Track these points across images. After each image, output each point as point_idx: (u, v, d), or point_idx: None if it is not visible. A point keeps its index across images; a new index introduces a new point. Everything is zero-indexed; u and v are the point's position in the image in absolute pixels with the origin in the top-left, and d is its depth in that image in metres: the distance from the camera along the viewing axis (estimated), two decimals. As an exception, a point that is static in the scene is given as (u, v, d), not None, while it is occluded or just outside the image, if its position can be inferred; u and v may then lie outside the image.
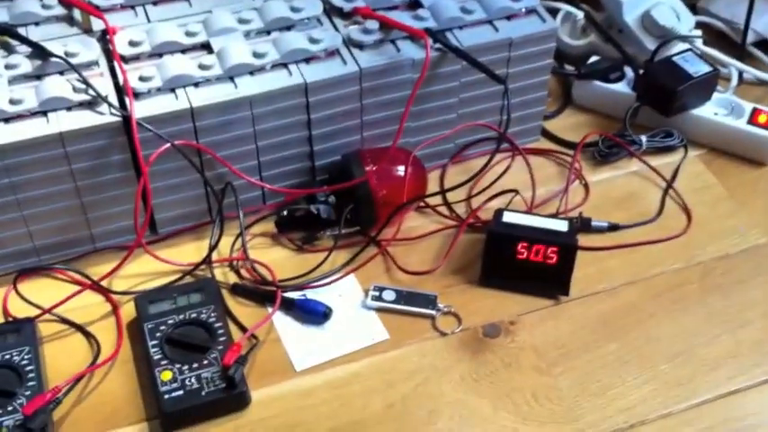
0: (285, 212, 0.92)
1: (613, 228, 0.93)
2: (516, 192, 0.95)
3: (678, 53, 1.02)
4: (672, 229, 0.94)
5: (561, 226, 0.87)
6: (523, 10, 0.95)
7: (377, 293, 0.86)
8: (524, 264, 0.86)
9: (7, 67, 0.86)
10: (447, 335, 0.83)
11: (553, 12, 1.11)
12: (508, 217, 0.88)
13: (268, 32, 0.92)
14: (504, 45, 0.93)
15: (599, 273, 0.89)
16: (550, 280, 0.86)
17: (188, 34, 0.90)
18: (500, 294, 0.87)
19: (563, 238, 0.85)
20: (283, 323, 0.84)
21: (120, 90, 0.85)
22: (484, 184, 0.96)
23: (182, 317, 0.81)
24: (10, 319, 0.84)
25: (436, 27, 0.92)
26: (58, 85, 0.83)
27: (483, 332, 0.84)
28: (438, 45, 0.90)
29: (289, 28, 0.92)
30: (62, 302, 0.84)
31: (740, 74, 1.10)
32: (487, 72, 0.90)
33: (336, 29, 0.93)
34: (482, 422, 0.77)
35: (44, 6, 0.93)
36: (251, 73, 0.87)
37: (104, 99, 0.83)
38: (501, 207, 0.91)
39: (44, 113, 0.82)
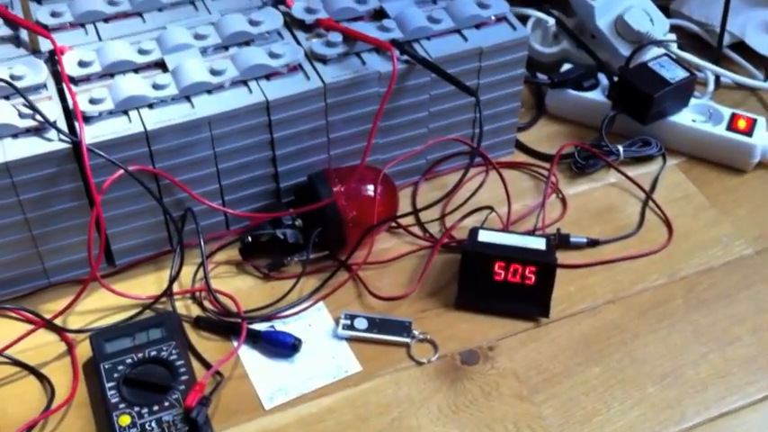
0: (249, 238, 0.87)
1: (593, 243, 0.89)
2: (491, 209, 0.91)
3: (654, 58, 0.99)
4: (653, 242, 0.90)
5: (539, 244, 0.83)
6: (493, 18, 0.91)
7: (348, 322, 0.81)
8: (502, 285, 0.82)
9: (-52, 93, 0.81)
10: (423, 363, 0.79)
11: (523, 19, 1.08)
12: (484, 236, 0.84)
13: (226, 48, 0.87)
14: (474, 55, 0.89)
15: (580, 291, 0.85)
16: (530, 301, 0.82)
17: (141, 52, 0.85)
18: (477, 318, 0.83)
19: (541, 257, 0.81)
20: (250, 357, 0.79)
21: (71, 114, 0.80)
22: (458, 200, 0.93)
23: (140, 355, 0.76)
24: (-43, 363, 0.78)
25: (403, 38, 0.88)
26: (2, 112, 0.78)
27: (461, 359, 0.79)
28: (405, 57, 0.86)
29: (248, 43, 0.88)
30: (14, 343, 0.78)
31: (717, 78, 1.07)
32: (458, 84, 0.86)
33: (298, 42, 0.88)
34: (463, 456, 0.73)
35: (-12, 27, 0.88)
36: (209, 91, 0.83)
37: (52, 125, 0.78)
38: (476, 225, 0.87)
39: (-12, 142, 0.77)
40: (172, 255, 0.87)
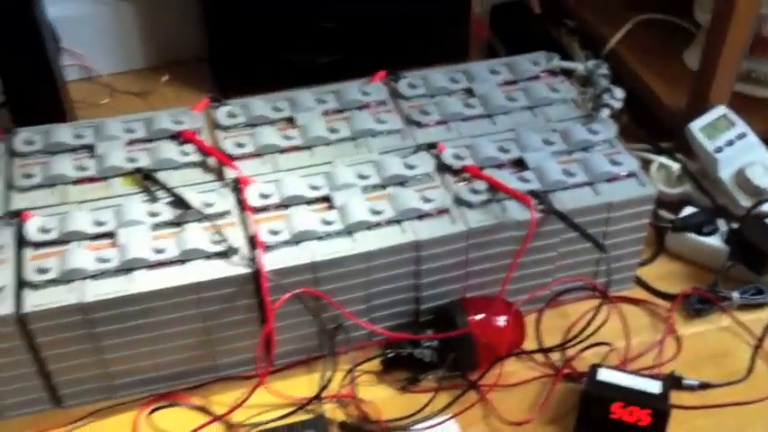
0: (391, 354, 0.98)
1: (704, 386, 0.97)
2: (609, 345, 0.99)
3: (772, 214, 1.06)
4: (761, 390, 0.97)
5: (655, 387, 0.91)
6: (624, 173, 1.00)
7: (476, 443, 0.92)
8: (617, 423, 0.90)
9: (150, 214, 0.95)
10: (541, 490, 0.88)
11: (648, 161, 1.16)
12: (602, 375, 0.92)
13: (383, 187, 0.99)
14: (605, 208, 0.98)
15: (690, 433, 0.93)
16: (642, 440, 0.90)
17: (312, 188, 0.98)
18: (593, 450, 0.91)
19: (656, 402, 0.89)
20: (388, 467, 0.90)
21: (251, 240, 0.93)
22: (578, 330, 1.01)
23: (297, 455, 0.88)
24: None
25: (540, 188, 0.98)
26: (197, 237, 0.92)
27: (576, 491, 0.88)
28: (542, 206, 0.96)
29: (402, 183, 1.00)
30: (188, 435, 0.92)
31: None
32: (589, 238, 0.96)
33: (446, 185, 1.00)
34: None
35: (182, 153, 1.03)
36: (368, 228, 0.95)
37: (238, 253, 0.91)
38: (596, 363, 0.95)
39: (182, 262, 0.91)
40: (321, 359, 0.99)
